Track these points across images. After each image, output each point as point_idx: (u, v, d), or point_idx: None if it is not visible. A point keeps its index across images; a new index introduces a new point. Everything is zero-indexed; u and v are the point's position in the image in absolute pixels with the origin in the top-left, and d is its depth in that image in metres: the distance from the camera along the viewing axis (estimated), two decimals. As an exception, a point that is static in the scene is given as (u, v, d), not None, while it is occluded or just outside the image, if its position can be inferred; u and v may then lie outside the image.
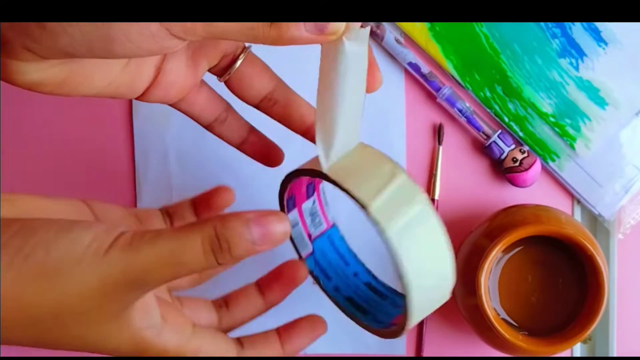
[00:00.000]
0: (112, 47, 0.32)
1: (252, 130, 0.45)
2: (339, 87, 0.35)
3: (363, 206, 0.35)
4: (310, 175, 0.39)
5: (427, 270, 0.37)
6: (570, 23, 0.56)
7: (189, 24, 0.32)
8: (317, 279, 0.46)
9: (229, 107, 0.44)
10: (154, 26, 0.32)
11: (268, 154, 0.45)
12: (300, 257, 0.46)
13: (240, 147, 0.45)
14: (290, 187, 0.42)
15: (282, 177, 0.42)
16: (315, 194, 0.45)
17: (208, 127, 0.44)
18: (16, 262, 0.31)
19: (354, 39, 0.35)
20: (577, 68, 0.56)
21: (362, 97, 0.38)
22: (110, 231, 0.32)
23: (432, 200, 0.57)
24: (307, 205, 0.45)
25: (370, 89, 0.38)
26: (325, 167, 0.37)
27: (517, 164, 0.55)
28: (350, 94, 0.36)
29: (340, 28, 0.33)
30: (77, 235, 0.31)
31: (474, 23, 0.56)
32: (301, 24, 0.33)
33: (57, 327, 0.32)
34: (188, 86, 0.41)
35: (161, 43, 0.33)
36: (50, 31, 0.31)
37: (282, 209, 0.44)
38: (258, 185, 0.57)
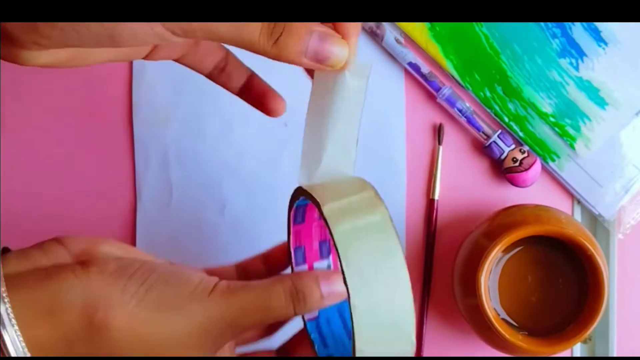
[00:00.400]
0: (118, 42, 0.34)
1: (252, 76, 0.46)
2: (333, 116, 0.35)
3: (317, 205, 0.35)
4: (292, 197, 0.39)
5: (377, 287, 0.34)
6: (570, 23, 0.56)
7: (189, 28, 0.34)
8: (312, 343, 0.43)
9: (228, 54, 0.45)
10: (157, 27, 0.34)
11: (267, 101, 0.45)
12: (302, 318, 0.43)
13: (241, 94, 0.46)
14: (296, 232, 0.42)
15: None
16: (331, 257, 0.43)
17: (209, 77, 0.46)
18: (140, 292, 0.36)
19: (355, 73, 0.34)
20: (577, 68, 0.56)
21: (356, 129, 0.37)
22: (211, 277, 0.38)
23: (432, 200, 0.57)
24: (320, 265, 0.43)
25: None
26: (303, 184, 0.37)
27: (517, 164, 0.55)
28: (344, 124, 0.35)
29: (340, 62, 0.35)
30: (188, 276, 0.37)
31: (474, 23, 0.56)
32: (303, 50, 0.35)
33: (161, 351, 0.37)
34: (188, 45, 0.43)
35: (164, 39, 0.35)
36: (60, 29, 0.33)
37: (288, 254, 0.43)
38: (258, 185, 0.57)
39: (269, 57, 0.35)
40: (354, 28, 0.36)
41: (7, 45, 0.35)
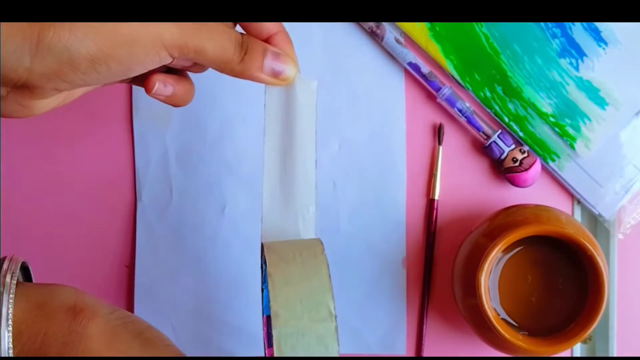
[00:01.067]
0: (130, 74, 0.39)
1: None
2: (289, 129, 0.42)
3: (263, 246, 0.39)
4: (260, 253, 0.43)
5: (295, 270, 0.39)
6: (570, 23, 0.56)
7: (185, 50, 0.39)
8: None
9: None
10: (163, 53, 0.38)
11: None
12: None
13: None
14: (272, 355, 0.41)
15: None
16: None
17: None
18: (126, 318, 0.40)
19: (304, 90, 0.40)
20: (577, 68, 0.56)
21: (312, 165, 0.44)
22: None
23: (432, 200, 0.57)
24: None
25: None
26: (265, 236, 0.42)
27: (517, 164, 0.55)
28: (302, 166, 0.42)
29: (291, 76, 0.41)
30: (166, 336, 0.41)
31: (474, 23, 0.56)
32: (261, 66, 0.40)
33: None
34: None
35: (163, 62, 0.40)
36: (83, 72, 0.37)
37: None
38: (258, 185, 0.57)
39: (235, 73, 0.41)
40: (289, 44, 0.42)
41: (24, 98, 0.39)
